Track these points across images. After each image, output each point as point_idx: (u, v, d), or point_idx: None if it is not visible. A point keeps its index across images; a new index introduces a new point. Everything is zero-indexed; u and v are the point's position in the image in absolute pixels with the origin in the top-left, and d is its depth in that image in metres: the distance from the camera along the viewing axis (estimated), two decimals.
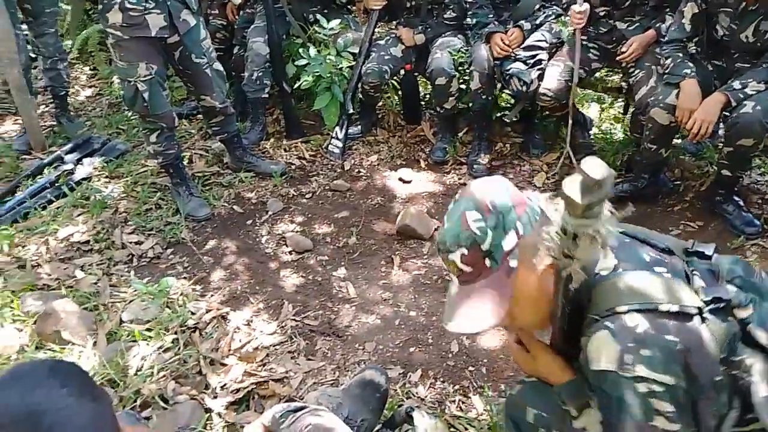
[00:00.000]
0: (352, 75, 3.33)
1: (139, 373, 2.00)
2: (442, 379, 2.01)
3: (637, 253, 1.12)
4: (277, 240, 2.75)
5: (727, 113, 2.44)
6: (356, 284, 2.48)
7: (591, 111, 3.65)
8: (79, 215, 2.87)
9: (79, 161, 3.25)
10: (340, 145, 3.34)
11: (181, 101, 3.91)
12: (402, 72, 3.44)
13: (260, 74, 3.35)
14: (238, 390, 1.95)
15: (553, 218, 0.99)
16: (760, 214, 2.64)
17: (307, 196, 3.07)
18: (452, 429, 1.82)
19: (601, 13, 2.92)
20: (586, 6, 2.68)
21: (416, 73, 3.48)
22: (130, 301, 2.32)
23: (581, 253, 0.93)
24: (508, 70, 2.98)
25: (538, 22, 3.07)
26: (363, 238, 2.75)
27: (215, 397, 1.92)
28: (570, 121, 2.91)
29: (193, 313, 2.26)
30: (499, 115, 3.45)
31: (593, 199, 0.86)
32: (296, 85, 3.38)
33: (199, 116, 3.59)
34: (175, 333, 2.16)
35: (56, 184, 3.06)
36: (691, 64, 2.50)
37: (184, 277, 2.50)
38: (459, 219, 1.09)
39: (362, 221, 2.86)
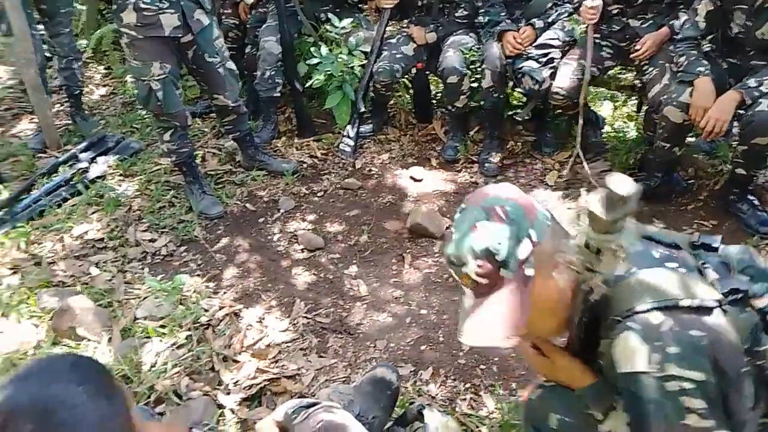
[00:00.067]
0: (364, 74, 3.33)
1: (152, 369, 2.02)
2: (453, 377, 2.02)
3: (646, 250, 1.12)
4: (288, 238, 2.77)
5: (742, 111, 2.42)
6: (368, 282, 2.49)
7: (604, 109, 3.63)
8: (93, 213, 2.90)
9: (93, 160, 3.28)
10: (352, 143, 3.35)
11: (194, 100, 3.93)
12: (413, 70, 3.44)
13: (272, 73, 3.37)
14: (250, 386, 1.96)
15: (575, 232, 0.98)
16: None
17: (318, 194, 3.08)
18: (463, 427, 1.82)
19: (614, 11, 2.90)
20: (599, 2, 2.67)
21: (428, 72, 3.48)
22: (144, 298, 2.34)
23: (604, 267, 0.93)
24: (521, 68, 2.97)
25: (550, 20, 3.06)
26: (374, 237, 2.76)
27: (228, 394, 1.94)
28: (581, 122, 2.89)
29: (206, 310, 2.28)
30: (510, 113, 3.44)
31: (617, 216, 0.85)
32: (308, 84, 3.40)
33: (212, 115, 3.62)
34: (189, 330, 2.18)
35: (71, 183, 3.09)
36: (705, 62, 2.49)
37: (197, 275, 2.53)
38: (471, 231, 1.05)
39: (373, 219, 2.87)
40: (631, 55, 2.83)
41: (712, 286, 1.06)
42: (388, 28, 3.39)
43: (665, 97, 2.56)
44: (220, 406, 1.89)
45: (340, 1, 3.58)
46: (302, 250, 2.68)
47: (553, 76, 2.94)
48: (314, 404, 1.34)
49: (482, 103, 3.22)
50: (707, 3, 2.49)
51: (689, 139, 2.82)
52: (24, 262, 2.56)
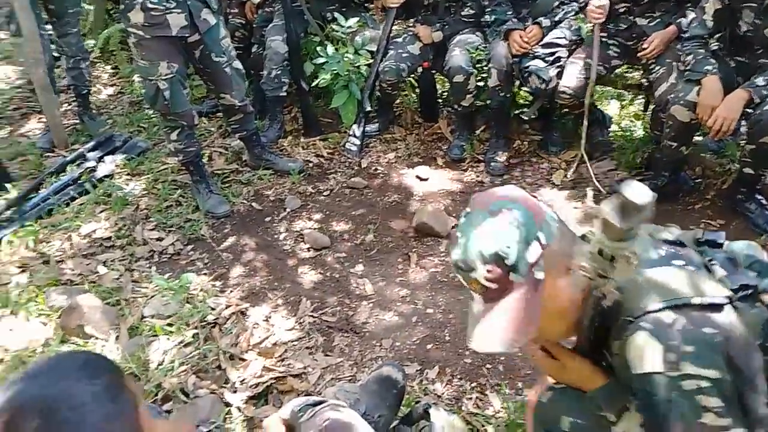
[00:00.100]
0: (370, 73, 3.34)
1: (160, 367, 2.03)
2: (459, 377, 2.02)
3: (654, 249, 1.11)
4: (295, 237, 2.77)
5: (750, 110, 2.40)
6: (373, 281, 2.49)
7: (611, 108, 3.62)
8: (101, 212, 2.92)
9: (101, 159, 3.30)
10: (358, 142, 3.35)
11: (200, 99, 3.95)
12: (419, 70, 3.44)
13: (278, 72, 3.38)
14: (257, 385, 1.97)
15: (588, 238, 0.98)
16: None
17: (324, 193, 3.09)
18: (469, 426, 1.82)
19: (621, 10, 2.89)
20: (605, 1, 2.66)
21: (434, 71, 3.48)
22: (152, 297, 2.35)
23: (618, 274, 0.93)
24: (527, 67, 2.96)
25: (557, 19, 3.05)
26: (380, 236, 2.76)
27: (234, 392, 1.95)
28: (585, 123, 2.87)
29: (212, 309, 2.29)
30: (517, 112, 3.44)
31: (633, 224, 0.85)
32: (314, 83, 3.40)
33: (219, 114, 3.63)
34: (196, 328, 2.19)
35: (79, 182, 3.11)
36: (712, 61, 2.47)
37: (204, 273, 2.54)
38: (479, 236, 1.03)
39: (379, 219, 2.87)
40: (638, 54, 2.82)
41: (720, 282, 1.05)
42: (394, 27, 3.39)
43: (672, 95, 2.55)
44: (227, 405, 1.90)
45: (346, 1, 3.58)
46: (308, 249, 2.69)
47: (559, 75, 2.93)
48: (321, 402, 1.34)
49: (488, 102, 3.22)
50: (715, 1, 2.47)
51: (696, 138, 2.81)
52: (32, 260, 2.58)
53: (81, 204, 2.98)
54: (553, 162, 3.22)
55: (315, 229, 2.80)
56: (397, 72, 3.25)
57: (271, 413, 1.84)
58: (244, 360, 2.08)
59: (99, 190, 3.06)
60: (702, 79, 2.44)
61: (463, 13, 3.31)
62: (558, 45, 3.00)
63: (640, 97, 3.47)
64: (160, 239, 2.76)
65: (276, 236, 2.79)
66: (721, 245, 1.16)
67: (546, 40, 3.01)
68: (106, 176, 3.18)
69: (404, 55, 3.28)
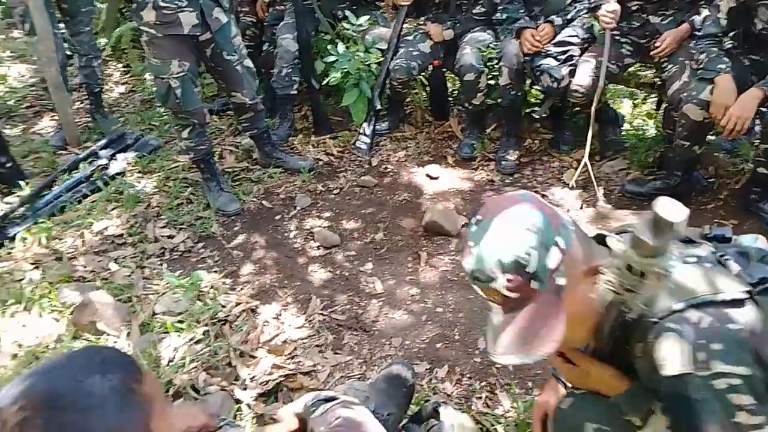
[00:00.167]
0: (380, 71, 3.33)
1: (171, 363, 2.04)
2: (468, 376, 2.01)
3: None
4: (305, 235, 2.78)
5: (764, 109, 2.38)
6: (383, 280, 2.49)
7: (623, 107, 3.60)
8: (113, 209, 2.94)
9: (113, 156, 3.32)
10: (368, 141, 3.35)
11: (211, 98, 3.97)
12: (430, 68, 3.44)
13: (289, 71, 3.38)
14: (266, 382, 1.98)
15: (616, 252, 0.97)
16: None
17: (334, 191, 3.09)
18: (479, 425, 1.82)
19: (634, 8, 2.87)
20: (617, 6, 2.63)
21: (444, 69, 3.47)
22: (163, 294, 2.37)
23: (648, 290, 0.92)
24: (539, 66, 2.95)
25: (569, 17, 3.03)
26: (390, 234, 2.76)
27: (245, 389, 1.96)
28: (590, 133, 2.84)
29: (223, 306, 2.30)
30: (528, 111, 3.42)
31: (665, 241, 0.83)
32: (324, 82, 3.40)
33: (229, 112, 3.64)
34: (206, 325, 2.20)
35: (91, 179, 3.14)
36: (726, 59, 2.45)
37: (215, 271, 2.55)
38: (497, 244, 1.00)
39: (389, 217, 2.87)
40: (651, 53, 2.80)
41: (738, 277, 1.04)
42: (405, 26, 3.39)
43: (685, 94, 2.53)
44: (237, 401, 1.91)
45: None
46: (318, 247, 2.69)
47: (572, 73, 2.91)
48: (333, 398, 1.34)
49: (499, 100, 3.21)
50: (729, 0, 2.45)
51: (710, 138, 2.79)
52: (45, 257, 2.60)
53: (93, 201, 3.00)
54: (564, 161, 3.21)
55: (325, 227, 2.81)
56: (408, 70, 3.24)
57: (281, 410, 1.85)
58: (254, 357, 2.09)
59: (111, 188, 3.08)
60: (715, 78, 2.42)
61: (474, 11, 3.30)
62: (570, 43, 2.98)
63: (653, 95, 3.44)
64: (171, 237, 2.77)
65: (286, 234, 2.80)
66: (729, 240, 1.15)
67: (558, 38, 3.00)
68: (117, 174, 3.20)
69: (415, 53, 3.28)
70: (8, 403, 0.73)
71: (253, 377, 2.00)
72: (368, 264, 2.58)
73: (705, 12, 2.64)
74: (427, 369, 2.04)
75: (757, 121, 2.51)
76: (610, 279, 0.96)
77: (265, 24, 3.74)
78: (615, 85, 3.38)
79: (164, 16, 2.52)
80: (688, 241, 1.13)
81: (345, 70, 3.31)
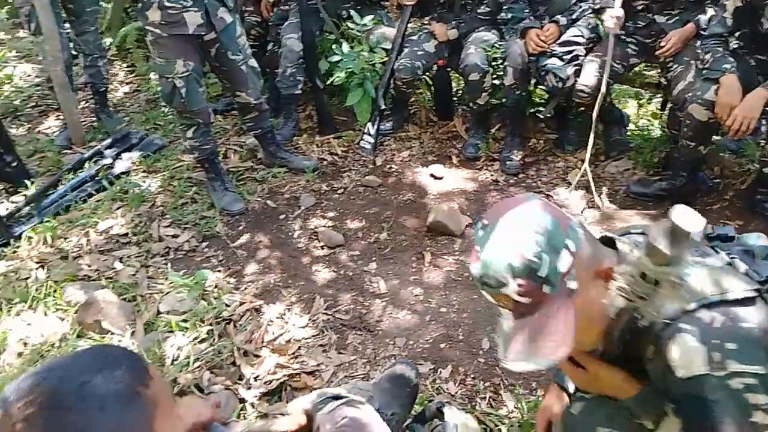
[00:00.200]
0: (385, 71, 3.33)
1: (175, 362, 2.05)
2: (472, 376, 2.01)
3: None
4: (309, 235, 2.78)
5: None
6: (387, 280, 2.49)
7: (628, 107, 3.59)
8: (118, 208, 2.95)
9: (117, 156, 3.33)
10: (372, 140, 3.35)
11: (216, 97, 3.97)
12: (435, 68, 3.43)
13: (293, 70, 3.39)
14: (270, 381, 1.98)
15: (630, 259, 0.96)
16: None
17: (338, 191, 3.09)
18: (483, 426, 1.81)
19: (639, 7, 2.86)
20: (621, 12, 2.62)
21: (449, 69, 3.47)
22: (167, 293, 2.37)
23: (661, 298, 0.91)
24: (544, 65, 2.94)
25: (574, 17, 3.02)
26: (394, 234, 2.76)
27: (249, 388, 1.96)
28: (591, 141, 2.83)
29: (227, 306, 2.31)
30: (533, 111, 3.42)
31: (681, 250, 0.83)
32: (329, 81, 3.41)
33: (234, 112, 3.65)
34: (210, 324, 2.20)
35: (96, 178, 3.14)
36: (731, 59, 2.44)
37: (219, 270, 2.55)
38: (506, 248, 0.98)
39: (393, 217, 2.87)
40: (656, 52, 2.79)
41: (746, 275, 1.04)
42: (409, 25, 3.38)
43: (690, 94, 2.52)
44: (241, 401, 1.91)
45: None
46: (322, 247, 2.69)
47: (577, 73, 2.91)
48: (341, 396, 1.34)
49: (504, 100, 3.20)
50: None
51: (715, 138, 2.78)
52: (50, 256, 2.61)
53: (98, 201, 3.01)
54: (569, 161, 3.20)
55: (329, 227, 2.81)
56: (412, 70, 3.24)
57: (285, 410, 1.85)
58: (258, 357, 2.09)
59: (116, 187, 3.08)
60: (720, 78, 2.41)
61: (479, 11, 3.29)
62: (575, 43, 2.97)
63: (658, 95, 3.43)
64: (175, 236, 2.78)
65: (290, 234, 2.80)
66: (732, 239, 1.15)
67: (563, 38, 2.99)
68: (122, 173, 3.21)
69: (419, 53, 3.28)
70: (15, 398, 0.73)
71: (257, 376, 2.01)
72: (372, 264, 2.58)
73: (711, 11, 2.63)
74: (431, 369, 2.04)
75: (763, 121, 2.50)
76: (623, 286, 0.95)
77: (269, 24, 3.74)
78: (620, 85, 3.37)
79: (169, 15, 2.53)
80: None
81: (349, 70, 3.31)
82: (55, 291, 2.37)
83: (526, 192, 3.00)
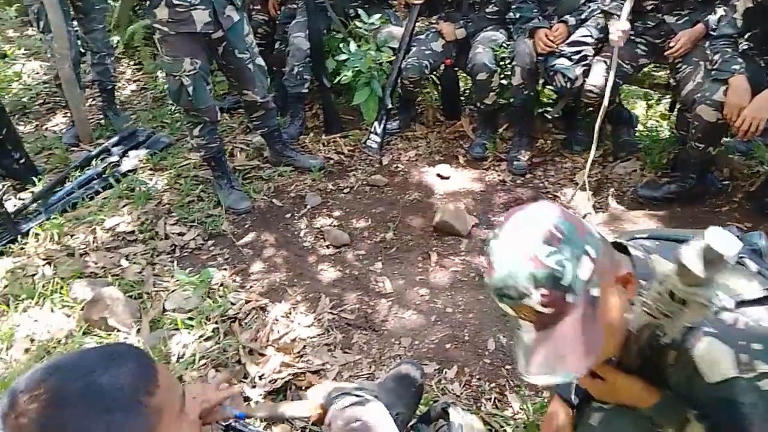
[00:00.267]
0: (392, 70, 3.33)
1: (180, 360, 2.05)
2: (478, 377, 2.00)
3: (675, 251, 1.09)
4: (315, 234, 2.78)
5: None
6: (393, 279, 2.48)
7: (637, 108, 3.57)
8: (124, 206, 2.96)
9: (124, 153, 3.35)
10: (379, 140, 3.34)
11: (222, 96, 3.98)
12: (442, 67, 3.42)
13: (300, 69, 3.38)
14: (275, 380, 1.98)
15: (659, 275, 0.95)
16: None
17: (345, 190, 3.09)
18: (488, 426, 1.81)
19: (649, 7, 2.84)
20: (627, 25, 2.60)
21: (457, 68, 3.46)
22: (173, 291, 2.38)
23: (687, 318, 0.90)
24: (552, 66, 2.92)
25: (583, 17, 3.00)
26: (400, 234, 2.75)
27: (254, 387, 1.96)
28: (593, 152, 2.81)
29: (233, 304, 2.31)
30: (540, 111, 3.40)
31: (714, 273, 0.82)
32: (336, 80, 3.40)
33: (241, 110, 3.65)
34: (216, 322, 2.21)
35: (103, 176, 3.16)
36: (740, 60, 2.42)
37: (225, 269, 2.55)
38: (527, 258, 0.95)
39: (399, 217, 2.86)
40: (666, 53, 2.77)
41: (759, 274, 1.03)
42: (417, 24, 3.37)
43: (699, 95, 2.50)
44: (246, 399, 1.91)
45: None
46: (328, 246, 2.69)
47: (586, 73, 2.89)
48: (357, 394, 1.32)
49: (512, 100, 3.19)
50: (746, 0, 2.42)
51: (724, 140, 2.75)
52: (57, 253, 2.62)
53: (105, 198, 3.02)
54: (576, 161, 3.18)
55: (335, 226, 2.80)
56: (420, 69, 3.23)
57: None
58: (263, 355, 2.09)
59: (122, 185, 3.09)
60: (729, 79, 2.39)
61: (487, 10, 3.28)
62: (584, 43, 2.95)
63: (667, 96, 3.41)
64: (181, 234, 2.78)
65: (296, 233, 2.80)
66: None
67: (572, 38, 2.97)
68: (129, 171, 3.22)
69: (427, 52, 3.27)
70: (22, 389, 0.73)
71: (262, 375, 2.01)
72: (378, 263, 2.58)
73: (720, 12, 2.61)
74: (436, 369, 2.03)
75: None
76: (649, 302, 0.94)
77: (277, 22, 3.74)
78: (629, 85, 3.35)
79: (177, 13, 2.53)
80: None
81: (356, 69, 3.31)
82: (61, 288, 2.38)
83: (533, 192, 2.99)
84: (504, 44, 3.16)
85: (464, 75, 3.55)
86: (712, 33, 2.61)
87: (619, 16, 2.61)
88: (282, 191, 3.09)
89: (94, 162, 3.27)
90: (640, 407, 1.15)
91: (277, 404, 1.87)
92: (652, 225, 2.66)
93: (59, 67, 3.39)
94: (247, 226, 2.86)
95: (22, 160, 3.19)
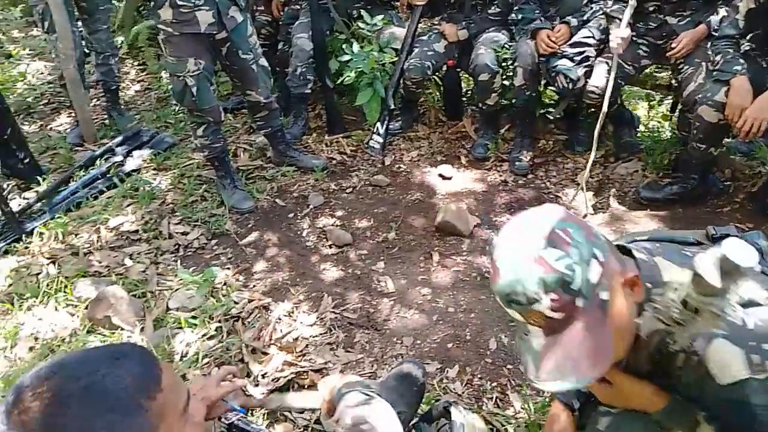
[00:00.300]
0: (395, 71, 3.33)
1: (184, 359, 2.07)
2: (479, 376, 2.01)
3: (682, 254, 1.09)
4: (317, 233, 2.79)
5: None
6: (395, 279, 2.49)
7: (639, 108, 3.57)
8: (128, 205, 2.97)
9: (128, 153, 3.36)
10: (381, 140, 3.35)
11: (226, 96, 3.99)
12: (444, 68, 3.43)
13: (303, 70, 3.40)
14: (278, 379, 1.99)
15: (672, 283, 0.94)
16: None
17: (347, 190, 3.10)
18: (489, 426, 1.81)
19: (651, 8, 2.85)
20: (627, 33, 2.60)
21: (459, 69, 3.47)
22: (176, 290, 2.39)
23: (699, 326, 0.90)
24: (554, 66, 2.93)
25: (585, 18, 3.01)
26: (402, 234, 2.76)
27: (256, 385, 1.97)
28: (593, 155, 2.82)
29: (236, 303, 2.32)
30: (542, 111, 3.41)
31: (731, 284, 0.82)
32: (339, 81, 3.42)
33: (244, 111, 3.67)
34: (219, 321, 2.22)
35: (107, 175, 3.17)
36: (742, 61, 2.42)
37: (228, 268, 2.57)
38: (536, 262, 0.93)
39: (402, 217, 2.87)
40: (668, 54, 2.78)
41: (764, 274, 1.02)
42: (419, 25, 3.38)
43: (700, 96, 2.51)
44: (249, 397, 1.92)
45: None
46: (330, 246, 2.70)
47: (588, 74, 2.89)
48: (365, 393, 1.33)
49: (514, 101, 3.20)
50: (749, 1, 2.42)
51: (726, 140, 2.76)
52: (61, 252, 2.63)
53: (109, 197, 3.04)
54: (578, 162, 3.19)
55: (337, 226, 2.82)
56: (422, 70, 3.24)
57: (292, 408, 1.87)
58: (266, 354, 2.10)
59: (126, 184, 3.11)
60: (731, 80, 2.39)
61: (489, 12, 3.29)
62: (586, 44, 2.95)
63: (669, 97, 3.42)
64: (185, 233, 2.80)
65: (299, 232, 2.81)
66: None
67: (574, 39, 2.97)
68: (133, 171, 3.23)
69: (429, 53, 3.28)
70: (27, 385, 0.74)
71: (265, 374, 2.02)
72: (380, 263, 2.59)
73: (722, 12, 2.61)
74: (438, 369, 2.04)
75: None
76: (662, 308, 0.93)
77: (280, 23, 3.76)
78: (631, 86, 3.35)
79: (181, 14, 2.54)
80: (697, 244, 1.12)
81: (359, 70, 3.32)
82: (65, 286, 2.40)
83: (534, 193, 3.00)
84: (506, 45, 3.17)
85: (466, 76, 3.56)
86: (714, 34, 2.62)
87: (620, 20, 2.61)
88: (285, 191, 3.11)
89: (98, 162, 3.29)
90: (649, 411, 1.14)
91: (285, 395, 1.88)
92: (654, 226, 2.67)
93: (64, 67, 3.41)
94: (250, 225, 2.87)
95: (27, 160, 3.21)
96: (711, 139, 2.55)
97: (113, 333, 2.18)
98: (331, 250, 2.68)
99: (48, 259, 2.59)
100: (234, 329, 2.21)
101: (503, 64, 3.13)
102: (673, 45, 2.74)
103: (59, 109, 4.15)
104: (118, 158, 3.29)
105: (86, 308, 2.27)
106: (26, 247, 2.69)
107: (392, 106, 3.35)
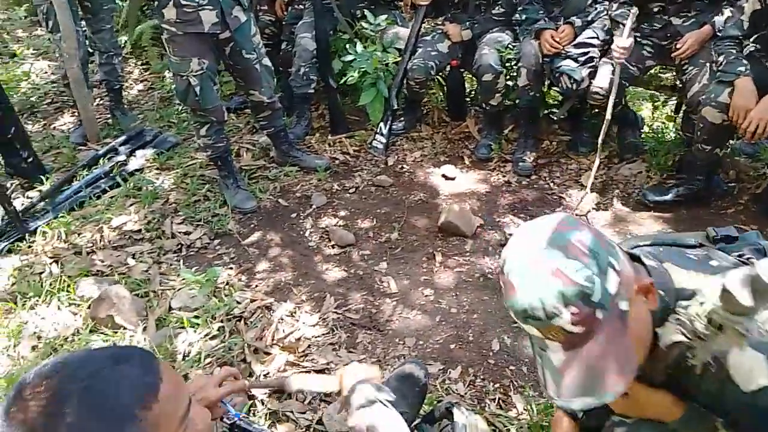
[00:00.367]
0: (398, 71, 3.33)
1: (186, 358, 2.06)
2: (482, 377, 2.01)
3: (687, 258, 1.08)
4: (320, 234, 2.79)
5: None
6: (398, 279, 2.49)
7: (643, 109, 3.56)
8: (131, 205, 2.97)
9: (131, 153, 3.36)
10: (384, 140, 3.35)
11: (229, 96, 3.99)
12: (448, 68, 3.43)
13: (307, 69, 3.40)
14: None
15: (699, 297, 0.93)
16: None
17: (350, 191, 3.09)
18: (492, 427, 1.81)
19: (655, 9, 2.84)
20: (630, 41, 2.59)
21: (462, 69, 3.46)
22: (179, 289, 2.39)
23: (720, 343, 0.88)
24: (559, 67, 2.92)
25: (589, 18, 3.00)
26: (405, 234, 2.76)
27: None
28: (597, 161, 2.80)
29: (238, 303, 2.32)
30: (546, 112, 3.40)
31: (761, 305, 0.81)
32: (342, 81, 3.41)
33: (247, 111, 3.67)
34: (221, 321, 2.22)
35: (110, 175, 3.17)
36: (745, 62, 2.41)
37: (230, 268, 2.56)
38: (553, 275, 0.90)
39: (404, 217, 2.87)
40: (672, 54, 2.77)
41: None
42: (423, 26, 3.38)
43: (704, 97, 2.50)
44: (251, 397, 1.92)
45: None
46: (333, 246, 2.70)
47: (591, 75, 2.89)
48: (378, 396, 1.32)
49: (517, 101, 3.20)
50: (754, 2, 2.41)
51: (730, 141, 2.74)
52: (64, 251, 2.64)
53: (112, 197, 3.04)
54: (582, 163, 3.18)
55: (340, 226, 2.81)
56: (426, 70, 3.24)
57: (294, 408, 1.86)
58: (268, 354, 2.10)
59: (129, 184, 3.11)
60: (735, 81, 2.38)
61: (493, 12, 3.28)
62: (590, 45, 2.94)
63: (673, 98, 3.41)
64: (188, 233, 2.80)
65: (301, 232, 2.81)
66: (735, 239, 1.14)
67: (578, 40, 2.96)
68: (136, 170, 3.24)
69: (433, 53, 3.27)
70: (28, 383, 0.74)
71: (267, 374, 2.02)
72: (383, 263, 2.58)
73: (727, 12, 2.60)
74: (440, 369, 2.04)
75: None
76: (686, 321, 0.92)
77: (283, 23, 3.76)
78: (635, 87, 3.34)
79: (185, 14, 2.55)
80: (699, 246, 1.12)
81: (363, 70, 3.32)
82: (68, 286, 2.40)
83: (538, 193, 2.99)
84: (510, 45, 3.16)
85: (470, 76, 3.56)
86: (719, 34, 2.61)
87: (624, 25, 2.60)
88: (288, 191, 3.11)
89: (101, 161, 3.29)
90: (665, 420, 1.12)
91: (306, 376, 1.87)
92: (657, 227, 2.66)
93: (67, 66, 3.41)
94: (252, 225, 2.87)
95: (30, 159, 3.22)
96: (715, 141, 2.54)
97: (116, 332, 2.18)
98: (334, 251, 2.68)
99: (51, 258, 2.59)
100: (236, 329, 2.21)
101: (507, 64, 3.13)
102: (677, 46, 2.73)
103: (63, 108, 4.16)
104: (121, 158, 3.30)
105: (89, 307, 2.27)
106: (29, 246, 2.69)
107: (395, 107, 3.35)
